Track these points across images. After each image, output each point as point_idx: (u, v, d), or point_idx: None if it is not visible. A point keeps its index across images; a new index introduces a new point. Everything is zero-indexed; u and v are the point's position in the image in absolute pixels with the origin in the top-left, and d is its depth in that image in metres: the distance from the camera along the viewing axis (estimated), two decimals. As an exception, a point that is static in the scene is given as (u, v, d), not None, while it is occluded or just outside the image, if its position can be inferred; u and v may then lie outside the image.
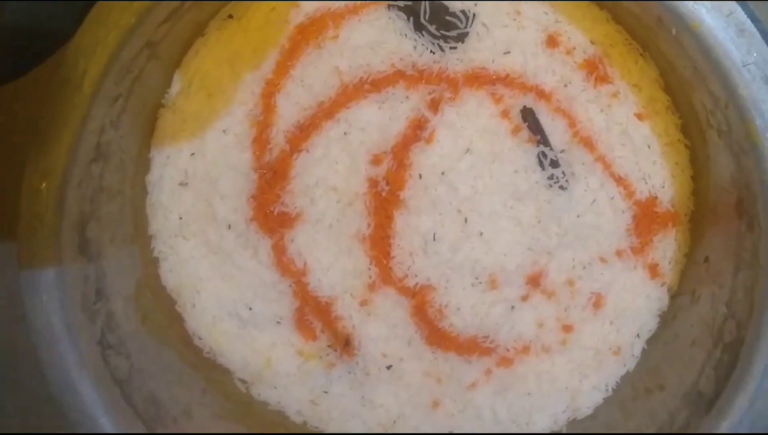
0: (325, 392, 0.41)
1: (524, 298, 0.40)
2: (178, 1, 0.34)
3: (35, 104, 0.34)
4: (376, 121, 0.39)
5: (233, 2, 0.39)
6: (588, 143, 0.39)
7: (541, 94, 0.39)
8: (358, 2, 0.39)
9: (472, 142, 0.39)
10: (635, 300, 0.41)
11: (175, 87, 0.40)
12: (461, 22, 0.39)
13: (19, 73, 0.37)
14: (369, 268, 0.40)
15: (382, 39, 0.39)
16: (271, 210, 0.39)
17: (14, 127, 0.37)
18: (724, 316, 0.37)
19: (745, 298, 0.36)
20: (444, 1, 0.39)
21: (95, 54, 0.32)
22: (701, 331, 0.38)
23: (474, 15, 0.39)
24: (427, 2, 0.39)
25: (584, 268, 0.40)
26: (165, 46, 0.36)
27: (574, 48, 0.39)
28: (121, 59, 0.33)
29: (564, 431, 0.42)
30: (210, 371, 0.42)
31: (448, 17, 0.39)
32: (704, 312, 0.39)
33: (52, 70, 0.33)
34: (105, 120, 0.35)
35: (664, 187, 0.40)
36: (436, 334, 0.41)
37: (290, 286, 0.40)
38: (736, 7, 0.31)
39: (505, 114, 0.39)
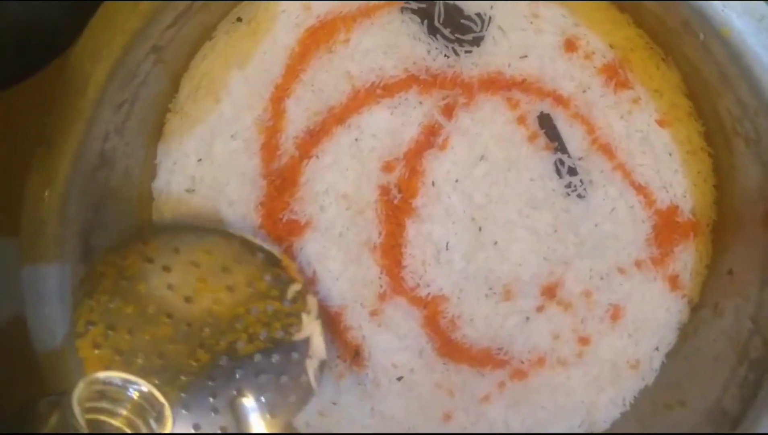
0: (334, 403, 0.41)
1: (540, 309, 0.40)
2: (185, 2, 0.33)
3: (39, 108, 0.33)
4: (388, 126, 0.38)
5: (242, 5, 0.38)
6: (607, 150, 0.39)
7: (559, 100, 0.38)
8: (371, 4, 0.38)
9: (487, 148, 0.38)
10: (655, 312, 0.40)
11: (183, 91, 0.39)
12: (477, 26, 0.38)
13: (24, 76, 0.37)
14: (380, 278, 0.39)
15: (394, 43, 0.38)
16: (280, 217, 0.39)
17: (19, 131, 0.36)
18: (750, 332, 0.36)
19: (772, 313, 0.35)
20: (459, 3, 0.38)
21: (100, 58, 0.31)
22: (725, 347, 0.37)
23: (490, 18, 0.38)
24: (441, 5, 0.38)
25: (602, 278, 0.39)
26: (172, 50, 0.35)
27: (593, 52, 0.38)
28: (127, 64, 0.32)
29: (580, 446, 0.41)
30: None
31: (463, 20, 0.38)
32: (728, 326, 0.38)
33: (56, 74, 0.33)
34: (110, 126, 0.34)
35: (685, 196, 0.39)
36: (449, 346, 0.40)
37: (299, 295, 0.39)
38: (768, 11, 0.30)
39: (521, 120, 0.38)
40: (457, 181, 0.38)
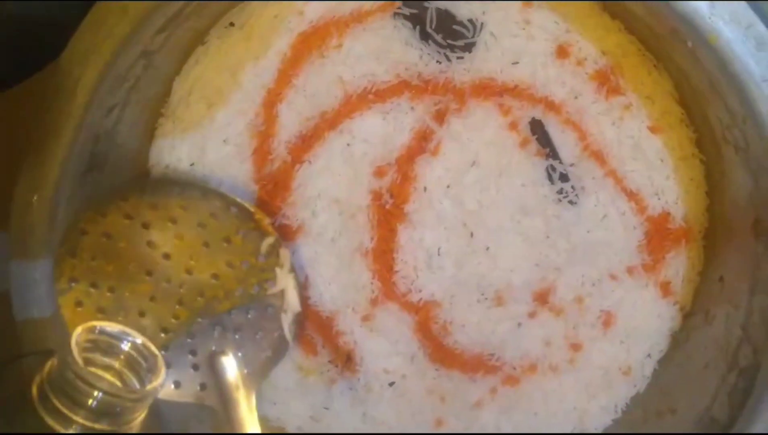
0: (326, 408, 0.41)
1: (531, 315, 0.40)
2: (175, 8, 0.33)
3: (29, 112, 0.33)
4: (380, 132, 0.38)
5: (235, 10, 0.38)
6: (599, 157, 0.39)
7: (551, 106, 0.38)
8: (363, 10, 0.38)
9: (478, 154, 0.38)
10: (646, 319, 0.40)
11: (175, 96, 0.39)
12: (469, 32, 0.38)
13: (18, 80, 0.37)
14: (371, 283, 0.39)
15: (387, 48, 0.38)
16: (272, 222, 0.39)
17: (11, 134, 0.36)
18: (739, 340, 0.36)
19: (761, 321, 0.35)
20: (451, 9, 0.38)
21: (89, 63, 0.31)
22: (715, 354, 0.37)
23: (482, 24, 0.38)
24: (433, 11, 0.38)
25: (594, 285, 0.39)
26: (163, 54, 0.35)
27: (585, 59, 0.38)
28: (117, 68, 0.32)
29: (571, 453, 0.41)
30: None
31: (455, 26, 0.38)
32: (718, 334, 0.38)
33: (46, 79, 0.33)
34: (100, 130, 0.34)
35: (677, 202, 0.39)
36: (440, 351, 0.40)
37: (291, 300, 0.39)
38: (755, 19, 0.30)
39: (513, 126, 0.38)
40: (448, 186, 0.38)
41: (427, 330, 0.40)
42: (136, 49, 0.33)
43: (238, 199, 0.37)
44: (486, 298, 0.39)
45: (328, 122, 0.38)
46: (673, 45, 0.34)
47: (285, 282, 0.38)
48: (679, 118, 0.39)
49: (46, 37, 0.35)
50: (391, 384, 0.40)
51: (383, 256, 0.39)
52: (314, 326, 0.40)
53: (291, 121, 0.38)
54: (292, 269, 0.38)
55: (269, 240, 0.37)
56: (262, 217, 0.38)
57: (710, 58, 0.32)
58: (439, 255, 0.39)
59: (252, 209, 0.37)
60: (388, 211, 0.39)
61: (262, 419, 0.41)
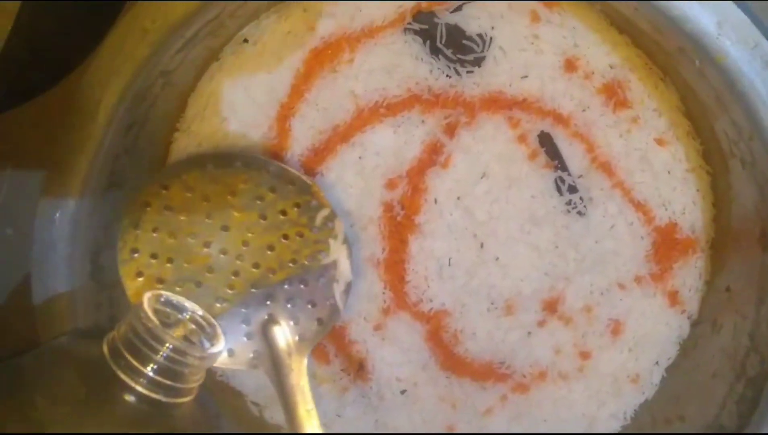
0: (339, 416, 0.41)
1: (541, 324, 0.40)
2: (193, 29, 0.33)
3: (44, 131, 0.33)
4: (392, 145, 0.39)
5: (249, 27, 0.39)
6: (607, 168, 0.39)
7: (559, 119, 0.39)
8: (375, 25, 0.38)
9: (488, 166, 0.39)
10: (654, 327, 0.40)
11: (190, 111, 0.40)
12: (478, 46, 0.38)
13: (27, 98, 0.37)
14: (383, 293, 0.40)
15: (398, 63, 0.39)
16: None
17: (22, 153, 0.36)
18: (747, 349, 0.36)
19: (769, 332, 0.35)
20: (461, 24, 0.38)
21: (109, 84, 0.32)
22: (723, 363, 0.38)
23: (491, 39, 0.38)
24: (443, 26, 0.38)
25: (602, 294, 0.40)
26: (180, 72, 0.36)
27: (593, 72, 0.39)
28: (136, 89, 0.33)
29: (581, 460, 0.41)
30: (223, 394, 0.42)
31: (464, 41, 0.38)
32: (726, 343, 0.38)
33: (61, 97, 0.33)
34: (119, 148, 0.35)
35: (684, 213, 0.39)
36: (451, 360, 0.40)
37: (304, 309, 0.40)
38: (761, 39, 0.31)
39: (522, 139, 0.39)
40: (459, 198, 0.39)
41: (438, 339, 0.40)
42: (155, 70, 0.33)
43: (297, 173, 0.38)
44: (496, 308, 0.40)
45: (340, 135, 0.39)
46: (681, 61, 0.35)
47: (338, 253, 0.38)
48: (686, 131, 0.39)
49: (60, 49, 0.36)
50: (403, 392, 0.41)
51: (395, 266, 0.39)
52: (327, 336, 0.40)
53: (304, 134, 0.39)
54: (346, 240, 0.38)
55: (324, 212, 0.38)
56: (317, 190, 0.38)
57: (717, 76, 0.32)
58: (449, 265, 0.39)
59: (309, 182, 0.38)
60: (400, 223, 0.39)
61: (275, 427, 0.42)
